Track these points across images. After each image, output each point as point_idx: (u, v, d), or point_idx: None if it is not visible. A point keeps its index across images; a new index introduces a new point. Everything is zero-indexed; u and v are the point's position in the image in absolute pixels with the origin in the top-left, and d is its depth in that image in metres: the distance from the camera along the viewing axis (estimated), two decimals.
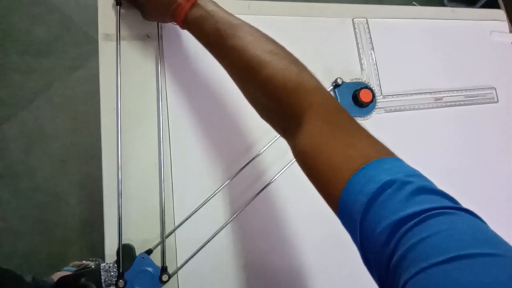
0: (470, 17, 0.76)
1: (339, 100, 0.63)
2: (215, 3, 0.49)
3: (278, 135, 0.58)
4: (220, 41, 0.46)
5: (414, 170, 0.33)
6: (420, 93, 0.69)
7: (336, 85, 0.64)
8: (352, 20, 0.69)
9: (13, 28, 1.47)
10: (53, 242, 1.30)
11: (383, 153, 0.34)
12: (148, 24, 0.59)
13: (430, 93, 0.69)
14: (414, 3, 2.14)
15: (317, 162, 0.36)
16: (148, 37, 0.59)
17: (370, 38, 0.69)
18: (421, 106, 0.68)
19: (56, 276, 1.06)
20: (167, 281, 0.51)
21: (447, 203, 0.29)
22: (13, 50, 1.44)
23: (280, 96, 0.41)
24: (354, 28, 0.69)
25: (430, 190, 0.30)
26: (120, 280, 0.49)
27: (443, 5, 2.15)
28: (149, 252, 0.51)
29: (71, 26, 1.52)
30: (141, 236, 0.53)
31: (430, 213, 0.27)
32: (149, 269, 0.50)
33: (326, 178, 0.35)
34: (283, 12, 0.67)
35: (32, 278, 0.85)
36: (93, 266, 1.19)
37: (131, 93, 0.56)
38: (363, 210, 0.30)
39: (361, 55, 0.68)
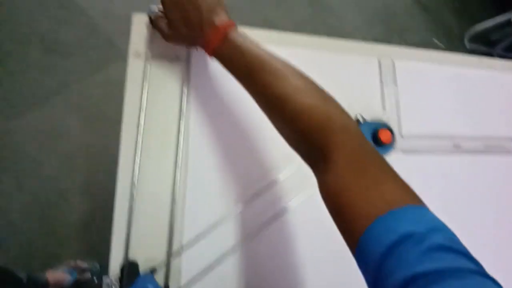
0: (495, 68, 0.76)
1: None
2: (244, 36, 0.49)
3: (297, 166, 0.59)
4: (249, 75, 0.46)
5: (438, 222, 0.32)
6: (440, 138, 0.69)
7: (357, 123, 0.64)
8: (379, 60, 0.70)
9: (40, 27, 1.50)
10: (51, 239, 1.30)
11: (408, 200, 0.34)
12: (179, 46, 0.60)
13: (450, 138, 0.69)
14: (434, 40, 2.16)
15: (339, 204, 0.36)
16: (178, 58, 0.60)
17: (395, 79, 0.69)
18: (440, 151, 0.68)
19: (50, 274, 1.05)
20: None
21: (465, 265, 0.28)
22: (37, 48, 1.47)
23: (306, 134, 0.41)
24: (380, 68, 0.69)
25: (449, 248, 0.29)
26: None
27: (463, 44, 2.17)
28: (153, 270, 0.51)
29: (96, 31, 1.55)
30: (147, 253, 0.52)
31: (443, 274, 0.27)
32: None
33: (347, 221, 0.35)
34: (311, 45, 0.68)
35: (27, 276, 0.85)
36: (89, 270, 1.18)
37: (154, 111, 0.57)
38: (378, 260, 0.30)
39: (384, 95, 0.68)
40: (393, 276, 0.29)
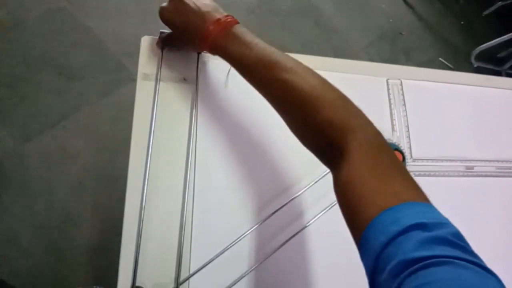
0: (504, 86, 0.76)
1: None
2: (252, 34, 0.50)
3: (306, 188, 0.58)
4: (262, 72, 0.46)
5: (444, 219, 0.33)
6: (451, 160, 0.68)
7: None
8: (387, 80, 0.70)
9: (52, 50, 1.54)
10: (59, 264, 1.28)
11: (416, 197, 0.34)
12: (187, 67, 0.60)
13: (461, 161, 0.68)
14: (441, 59, 2.16)
15: (350, 194, 0.37)
16: (185, 80, 0.60)
17: (404, 100, 0.69)
18: (451, 174, 0.67)
19: None
20: None
21: (462, 255, 0.28)
22: (49, 71, 1.50)
23: (326, 129, 0.41)
24: (388, 89, 0.69)
25: (451, 241, 0.30)
26: None
27: (469, 63, 2.17)
28: None
29: (106, 54, 1.58)
30: (155, 280, 0.51)
31: (438, 259, 0.27)
32: None
33: (354, 211, 0.36)
34: (318, 66, 0.68)
35: None
36: None
37: (162, 133, 0.57)
38: (380, 249, 0.31)
39: (393, 116, 0.68)
40: (390, 263, 0.29)
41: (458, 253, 0.28)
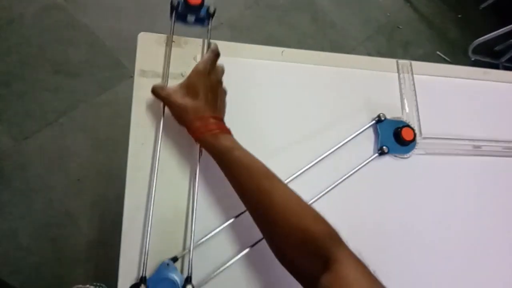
0: (503, 80, 0.77)
1: (380, 135, 0.64)
2: (236, 141, 0.50)
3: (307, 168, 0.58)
4: (243, 175, 0.48)
5: None
6: (459, 139, 0.68)
7: (378, 120, 0.64)
8: (397, 61, 0.71)
9: (49, 48, 1.52)
10: (59, 262, 1.27)
11: None
12: (183, 63, 0.60)
13: (469, 140, 0.69)
14: (438, 52, 2.16)
15: None
16: (182, 76, 0.59)
17: (413, 80, 0.70)
18: (460, 152, 0.68)
19: None
20: None
21: None
22: (45, 69, 1.49)
23: (308, 241, 0.42)
24: (398, 69, 0.70)
25: None
26: (142, 285, 0.46)
27: (467, 56, 2.17)
28: (174, 259, 0.49)
29: (103, 51, 1.57)
30: (166, 244, 0.51)
31: None
32: (173, 277, 0.47)
33: None
34: (316, 61, 0.68)
35: None
36: None
37: (160, 129, 0.55)
38: None
39: (403, 95, 0.69)
40: None
41: None
